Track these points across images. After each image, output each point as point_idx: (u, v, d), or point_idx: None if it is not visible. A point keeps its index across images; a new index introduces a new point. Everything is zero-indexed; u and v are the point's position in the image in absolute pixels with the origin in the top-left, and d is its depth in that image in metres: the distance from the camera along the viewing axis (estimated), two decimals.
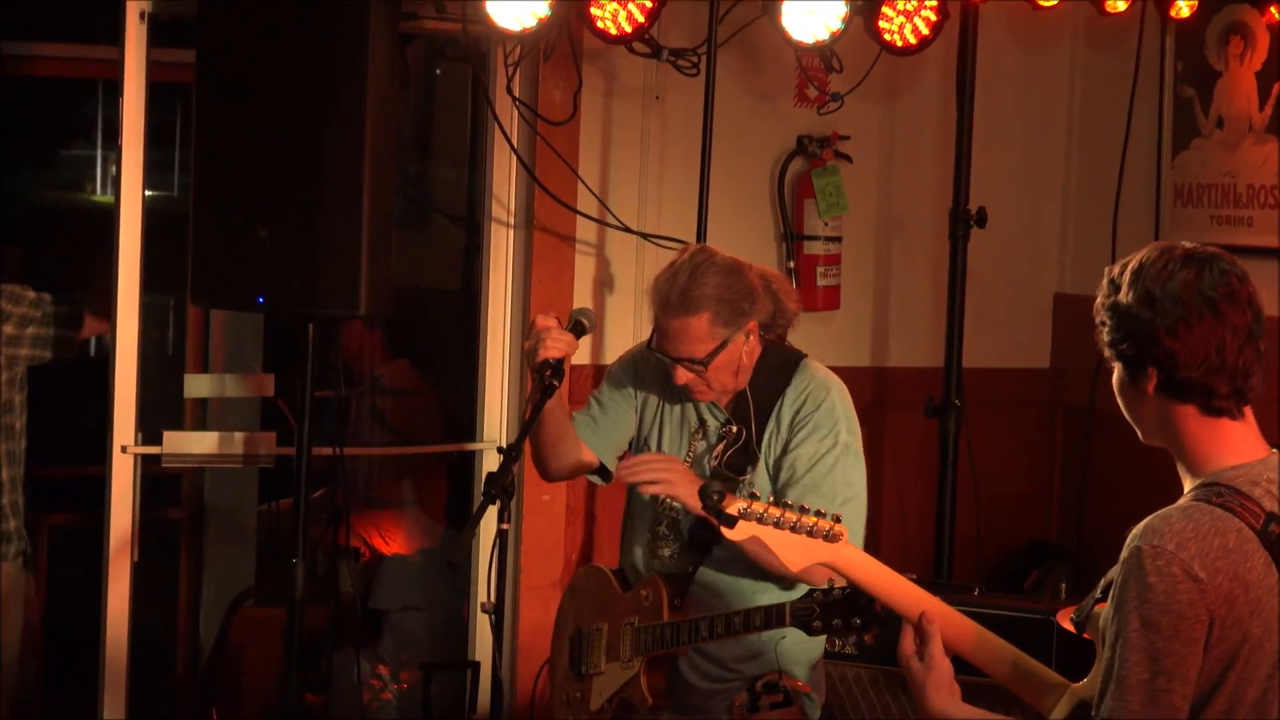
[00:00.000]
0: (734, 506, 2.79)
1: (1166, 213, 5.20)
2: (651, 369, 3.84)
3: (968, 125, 4.97)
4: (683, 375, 3.69)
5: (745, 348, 3.70)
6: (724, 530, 2.81)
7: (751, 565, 3.72)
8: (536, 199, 5.06)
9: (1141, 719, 2.46)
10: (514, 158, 5.07)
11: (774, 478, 3.74)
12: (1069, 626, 2.75)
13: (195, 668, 5.84)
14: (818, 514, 2.80)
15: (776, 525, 2.79)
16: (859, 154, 5.35)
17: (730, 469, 3.77)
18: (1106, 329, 2.61)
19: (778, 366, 3.79)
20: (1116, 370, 2.63)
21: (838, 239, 5.29)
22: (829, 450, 3.71)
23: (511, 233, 5.14)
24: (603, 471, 3.94)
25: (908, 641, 2.77)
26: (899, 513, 5.44)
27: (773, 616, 3.49)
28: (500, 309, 5.15)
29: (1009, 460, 5.51)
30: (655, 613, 3.74)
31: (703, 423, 3.84)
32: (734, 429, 3.78)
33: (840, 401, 3.77)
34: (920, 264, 5.48)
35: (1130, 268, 2.58)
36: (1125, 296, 2.56)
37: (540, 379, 3.54)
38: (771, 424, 3.76)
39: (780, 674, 3.77)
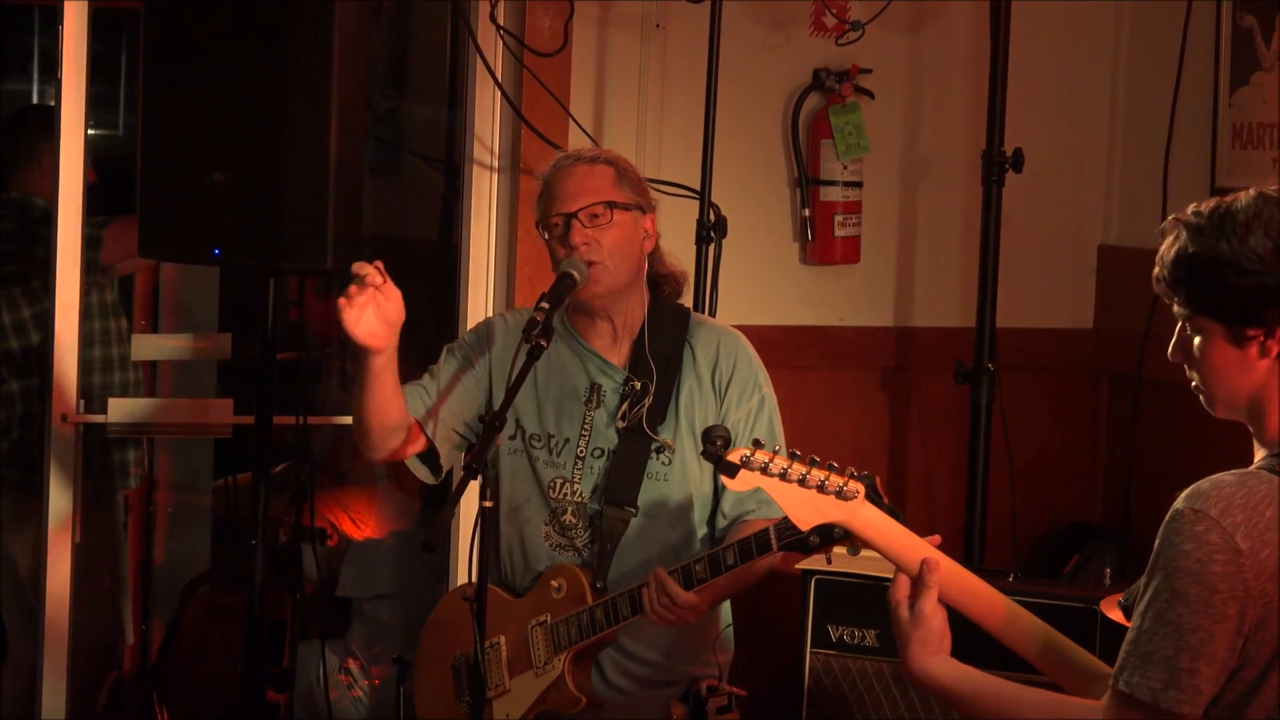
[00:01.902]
0: (736, 454, 2.78)
1: (1224, 155, 5.18)
2: (517, 340, 3.60)
3: (1003, 57, 4.94)
4: (579, 234, 3.73)
5: (644, 244, 3.82)
6: (725, 480, 2.79)
7: (677, 522, 3.77)
8: (523, 139, 5.05)
9: (1161, 699, 2.48)
10: (498, 93, 5.05)
11: (697, 435, 3.77)
12: (1115, 615, 2.77)
13: (144, 658, 5.86)
14: (831, 467, 2.77)
15: (783, 478, 2.77)
16: (882, 89, 5.34)
17: (643, 428, 3.79)
18: (1209, 286, 2.58)
19: (669, 317, 3.90)
20: (1217, 332, 2.61)
21: (858, 184, 5.28)
22: (758, 408, 3.85)
23: (495, 176, 5.13)
24: (431, 459, 3.91)
25: (900, 588, 2.79)
26: (924, 489, 5.45)
27: (753, 547, 3.49)
28: (483, 261, 5.15)
29: (1048, 432, 5.50)
30: (575, 600, 3.74)
31: (594, 388, 3.86)
32: (636, 384, 3.81)
33: (750, 351, 3.91)
34: (950, 212, 5.46)
35: (1242, 219, 2.56)
36: (1245, 250, 2.54)
37: (526, 338, 3.50)
38: (689, 379, 3.83)
39: (720, 676, 3.80)
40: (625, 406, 3.82)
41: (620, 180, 3.82)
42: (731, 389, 3.84)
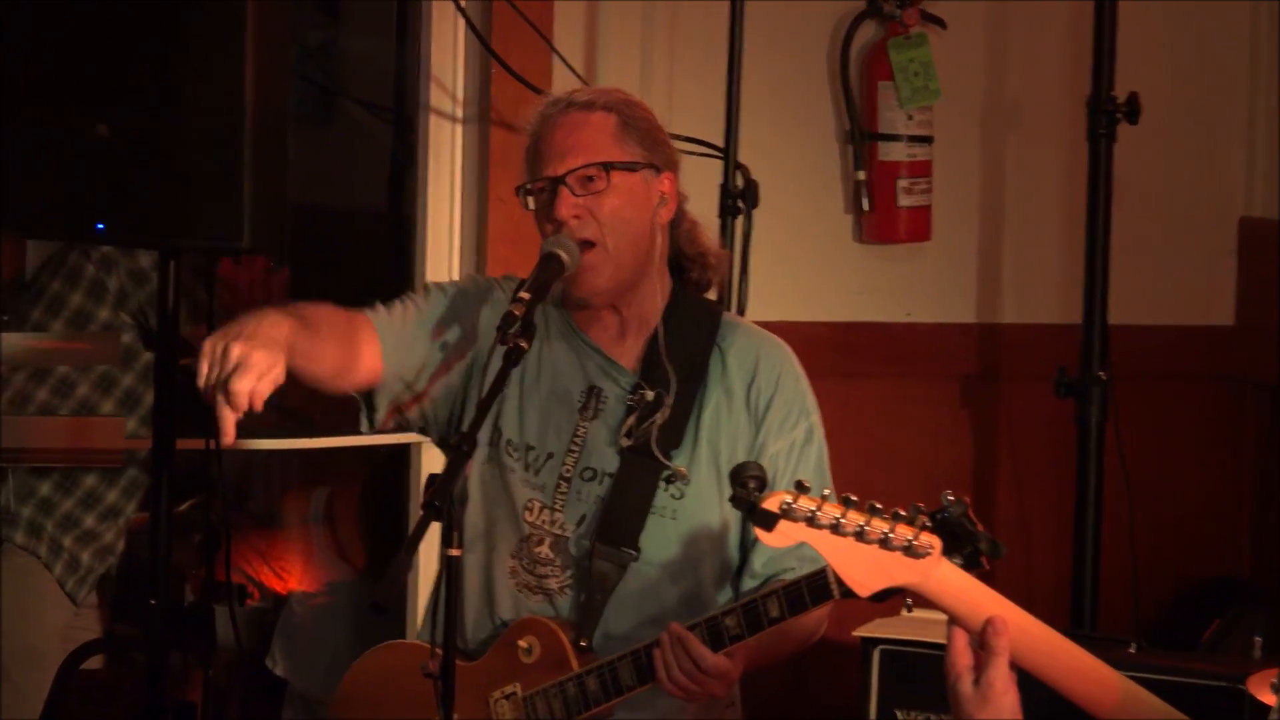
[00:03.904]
0: (773, 500, 2.73)
1: None
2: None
3: None
4: (568, 204, 3.70)
5: (658, 213, 3.79)
6: (760, 534, 2.75)
7: (682, 574, 3.75)
8: (494, 81, 5.06)
9: None
10: (461, 22, 5.07)
11: (721, 464, 3.78)
12: (1267, 698, 2.82)
13: None
14: (896, 516, 2.72)
15: (835, 530, 2.72)
16: (956, 17, 5.35)
17: (654, 447, 3.76)
18: None
19: (694, 311, 3.89)
20: None
21: (927, 139, 5.30)
22: (805, 440, 3.85)
23: (459, 129, 5.16)
24: (371, 402, 3.88)
25: (961, 656, 2.77)
26: (1020, 532, 5.43)
27: (804, 594, 3.49)
28: (444, 238, 5.17)
29: (1177, 459, 5.52)
30: (554, 665, 3.70)
31: (593, 393, 3.83)
32: (648, 394, 3.78)
33: (799, 367, 3.90)
34: (1046, 176, 5.48)
35: None
36: None
37: (502, 338, 3.47)
38: (716, 393, 3.82)
39: None
40: (632, 421, 3.79)
41: (624, 131, 3.77)
42: (773, 411, 3.81)
